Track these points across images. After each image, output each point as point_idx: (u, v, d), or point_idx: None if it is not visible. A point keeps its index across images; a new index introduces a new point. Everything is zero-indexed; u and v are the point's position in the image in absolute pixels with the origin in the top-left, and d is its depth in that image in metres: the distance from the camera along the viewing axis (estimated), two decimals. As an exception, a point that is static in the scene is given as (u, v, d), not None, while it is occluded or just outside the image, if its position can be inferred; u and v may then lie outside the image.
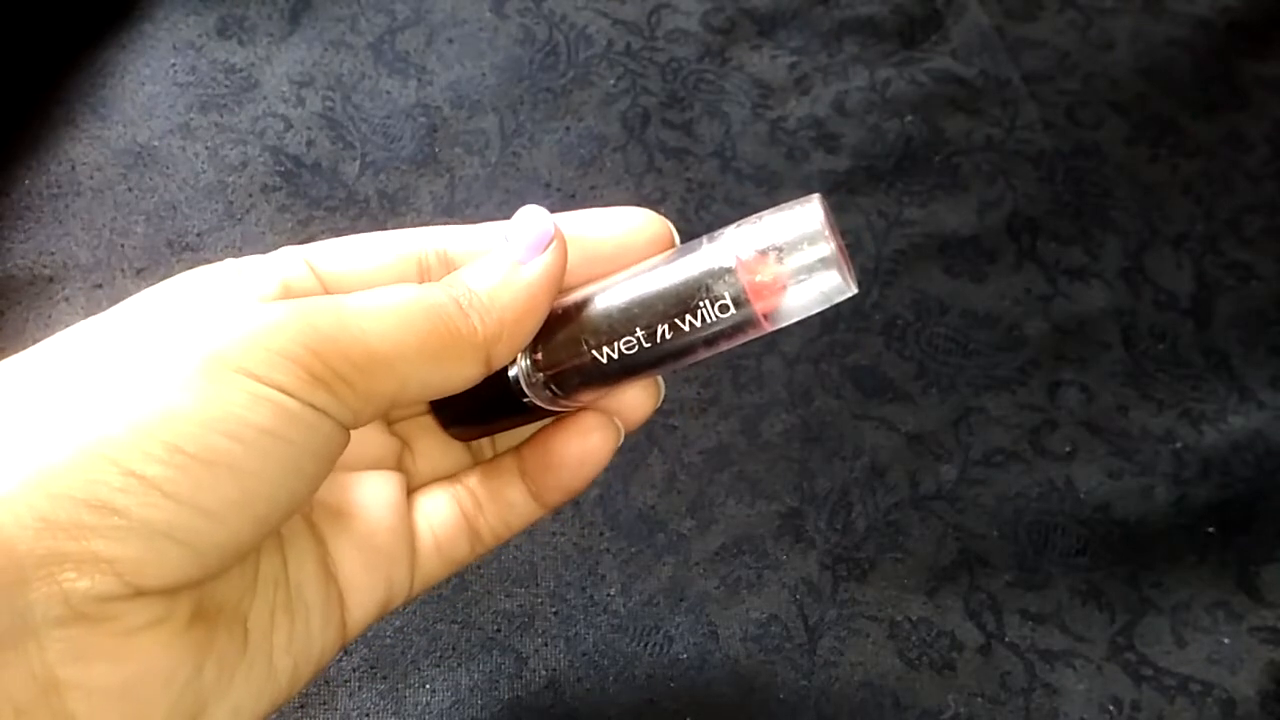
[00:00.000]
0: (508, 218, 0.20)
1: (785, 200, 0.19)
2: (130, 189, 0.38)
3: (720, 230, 0.19)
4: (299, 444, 0.16)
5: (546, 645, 0.31)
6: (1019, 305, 0.38)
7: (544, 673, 0.30)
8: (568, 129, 0.40)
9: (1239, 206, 0.41)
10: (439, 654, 0.30)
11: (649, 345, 0.19)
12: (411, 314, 0.18)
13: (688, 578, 0.32)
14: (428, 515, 0.22)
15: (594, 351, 0.19)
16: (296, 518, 0.20)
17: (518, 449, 0.22)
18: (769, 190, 0.39)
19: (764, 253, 0.18)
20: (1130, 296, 0.39)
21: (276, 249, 0.20)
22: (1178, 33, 0.45)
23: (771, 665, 0.31)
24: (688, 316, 0.18)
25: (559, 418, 0.22)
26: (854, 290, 0.18)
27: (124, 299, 0.18)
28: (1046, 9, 0.45)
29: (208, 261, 0.18)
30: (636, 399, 0.21)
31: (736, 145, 0.40)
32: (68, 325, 0.17)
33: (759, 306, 0.18)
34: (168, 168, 0.38)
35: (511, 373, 0.20)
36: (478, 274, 0.19)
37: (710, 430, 0.34)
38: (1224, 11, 0.45)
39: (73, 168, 0.38)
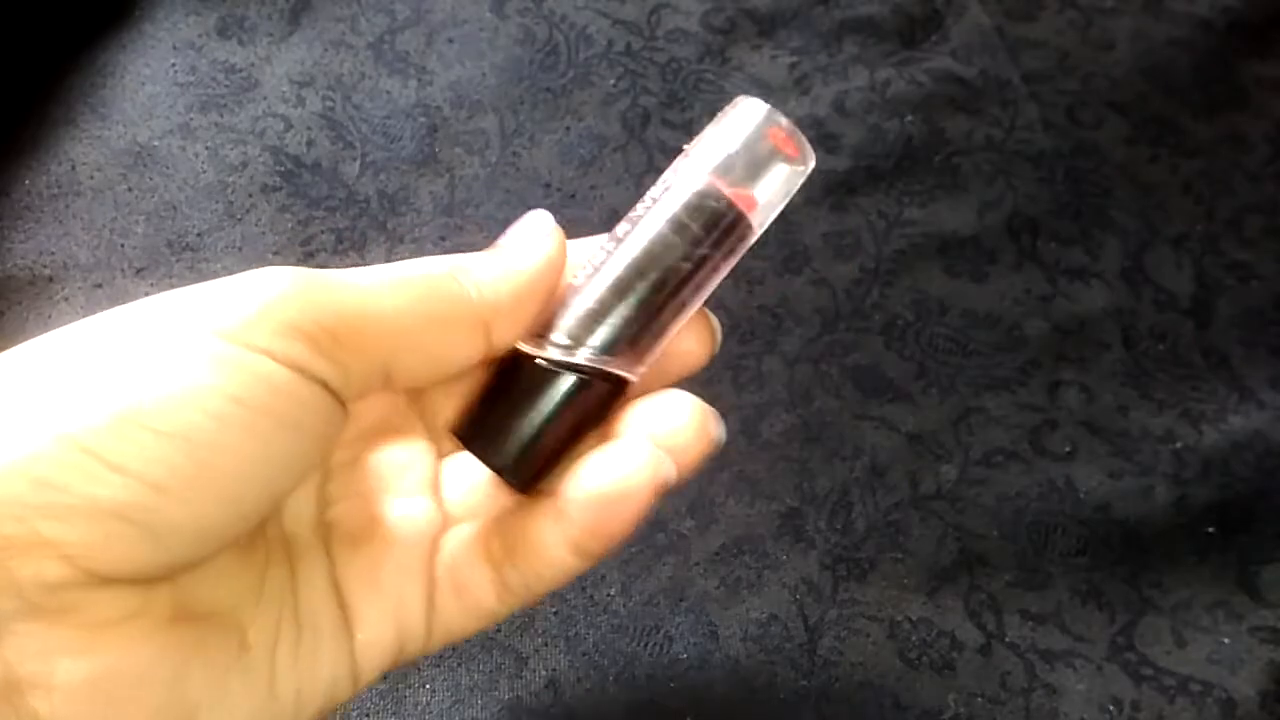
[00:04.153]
0: (508, 218, 0.20)
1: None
2: (130, 189, 0.38)
3: (678, 160, 0.20)
4: (274, 411, 0.15)
5: (546, 645, 0.31)
6: (1019, 305, 0.38)
7: (544, 672, 0.30)
8: (568, 129, 0.40)
9: (1239, 206, 0.41)
10: (439, 653, 0.30)
11: (666, 278, 0.19)
12: (408, 278, 0.18)
13: (688, 578, 0.32)
14: (449, 554, 0.20)
15: (617, 302, 0.19)
16: (312, 539, 0.19)
17: (552, 488, 0.20)
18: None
19: (729, 161, 0.20)
20: (1130, 296, 0.39)
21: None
22: (1178, 33, 0.45)
23: (771, 665, 0.31)
24: (691, 233, 0.19)
25: (599, 447, 0.19)
26: (812, 162, 0.20)
27: (124, 299, 0.17)
28: (1046, 9, 0.45)
29: (208, 261, 0.18)
30: (689, 347, 0.21)
31: (736, 145, 0.40)
32: (67, 325, 0.17)
33: (746, 207, 0.20)
34: (168, 168, 0.38)
35: (543, 353, 0.19)
36: (478, 261, 0.19)
37: (710, 430, 0.35)
38: (1224, 11, 0.45)
39: (73, 168, 0.38)
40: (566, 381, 0.19)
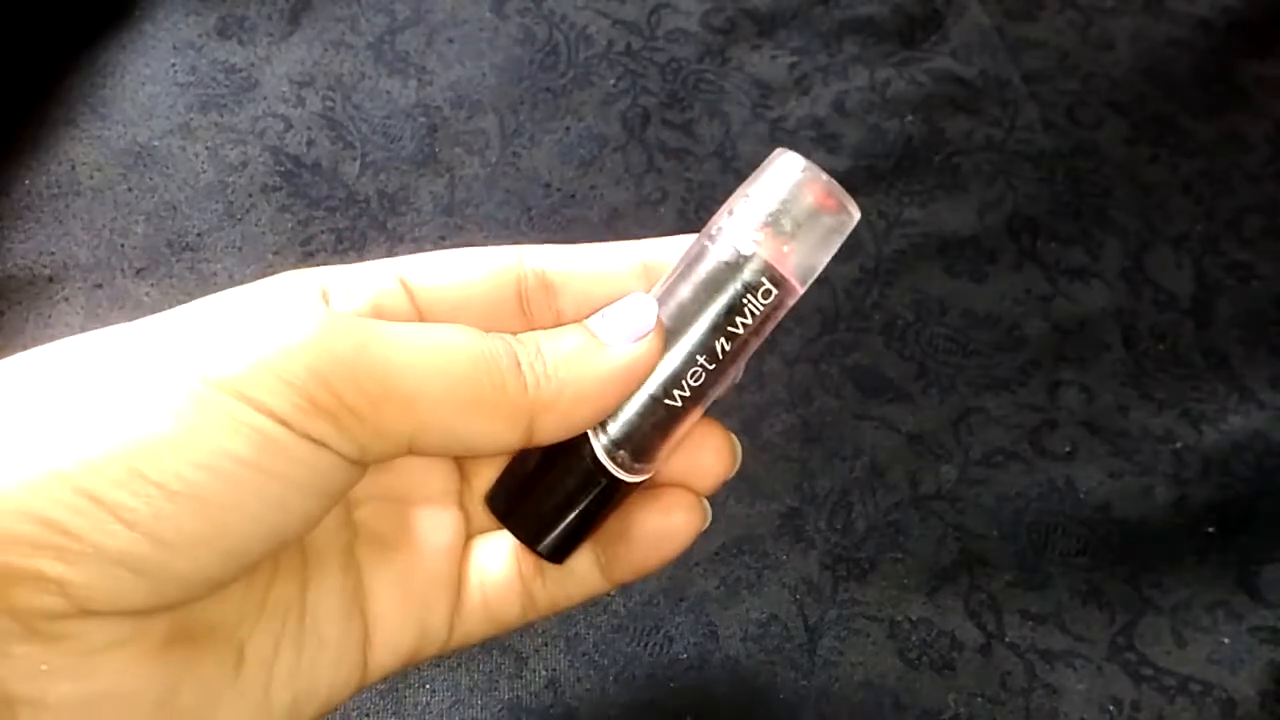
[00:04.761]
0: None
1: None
2: (130, 189, 0.38)
3: (715, 223, 0.19)
4: (284, 477, 0.15)
5: (546, 645, 0.31)
6: (1019, 305, 0.38)
7: (544, 672, 0.30)
8: (568, 129, 0.40)
9: (1239, 207, 0.41)
10: (439, 654, 0.30)
11: (713, 366, 0.18)
12: (451, 355, 0.16)
13: (688, 577, 0.32)
14: (481, 567, 0.20)
15: (666, 401, 0.18)
16: (332, 544, 0.19)
17: None
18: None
19: (771, 223, 0.18)
20: (1130, 297, 0.39)
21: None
22: (1178, 33, 0.45)
23: (771, 665, 0.31)
24: (738, 319, 0.18)
25: (643, 490, 0.20)
26: (857, 215, 0.19)
27: (124, 299, 0.17)
28: (1046, 9, 0.45)
29: (208, 262, 0.18)
30: (711, 465, 0.20)
31: (736, 145, 0.40)
32: (68, 325, 0.17)
33: (792, 275, 0.18)
34: (168, 168, 0.38)
35: (591, 447, 0.18)
36: (556, 336, 0.17)
37: (710, 430, 0.35)
38: (1224, 11, 0.45)
39: (73, 167, 0.38)
40: (615, 482, 0.19)
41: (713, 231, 0.19)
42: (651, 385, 0.18)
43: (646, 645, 0.31)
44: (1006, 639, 0.32)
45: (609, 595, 0.32)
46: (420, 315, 0.19)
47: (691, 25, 0.43)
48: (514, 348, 0.17)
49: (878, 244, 0.39)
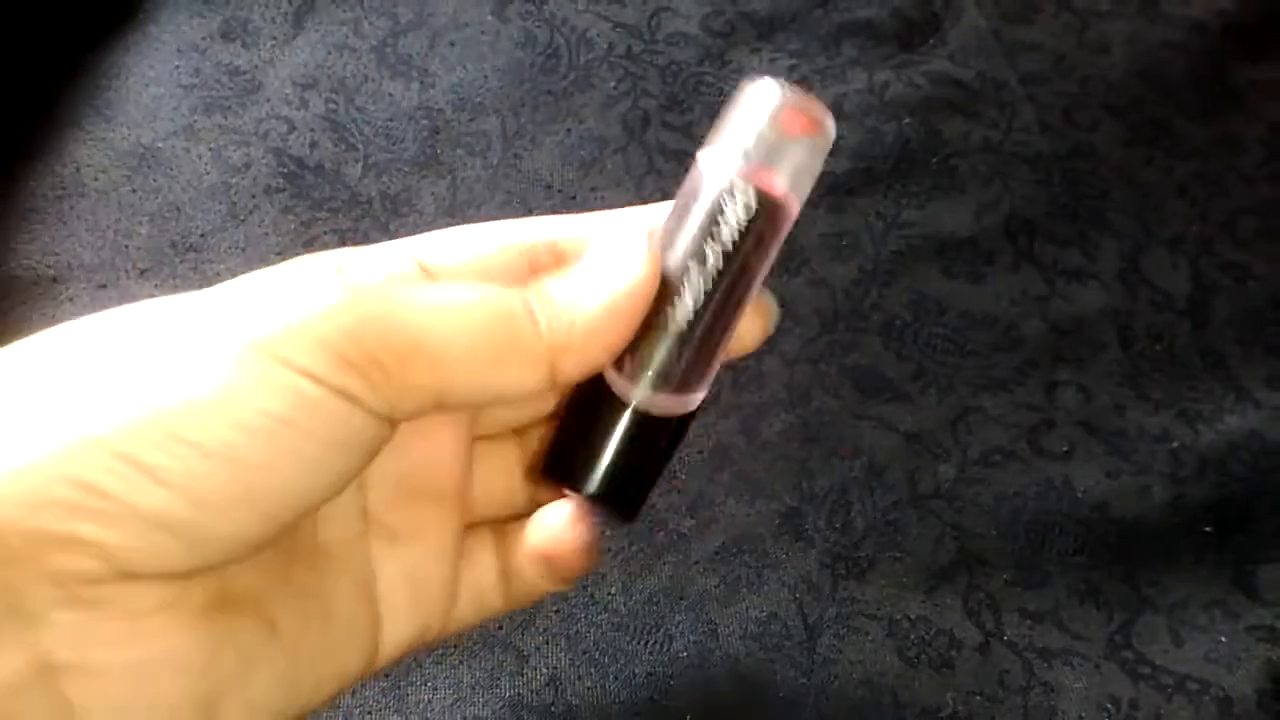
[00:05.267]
0: (508, 218, 0.20)
1: None
2: (134, 190, 0.38)
3: (698, 155, 0.19)
4: (319, 434, 0.15)
5: (547, 643, 0.31)
6: (1016, 306, 0.38)
7: (545, 670, 0.30)
8: (569, 131, 0.41)
9: (1234, 208, 0.41)
10: (440, 651, 0.30)
11: (719, 283, 0.18)
12: (470, 309, 0.17)
13: (688, 576, 0.32)
14: (473, 558, 0.20)
15: (686, 328, 0.18)
16: (346, 533, 0.19)
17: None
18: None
19: (751, 144, 0.19)
20: (1127, 297, 0.39)
21: (279, 250, 0.19)
22: (1173, 36, 0.45)
23: (771, 663, 0.31)
24: (725, 231, 0.18)
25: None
26: (832, 128, 0.19)
27: (128, 299, 0.17)
28: (1043, 12, 0.45)
29: (211, 263, 0.18)
30: (749, 329, 0.20)
31: (736, 147, 0.41)
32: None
33: (773, 188, 0.19)
34: (171, 169, 0.38)
35: (630, 395, 0.18)
36: (560, 281, 0.18)
37: (710, 430, 0.35)
38: (1219, 15, 0.46)
39: (77, 169, 0.38)
40: (672, 424, 0.19)
41: (697, 163, 0.19)
42: (670, 317, 0.18)
43: (647, 643, 0.31)
44: (1005, 637, 0.32)
45: (610, 594, 0.32)
46: None
47: (691, 28, 0.43)
48: (525, 295, 0.17)
49: (876, 245, 0.39)
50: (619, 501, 0.19)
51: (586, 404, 0.19)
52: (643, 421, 0.19)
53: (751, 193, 0.18)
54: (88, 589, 0.14)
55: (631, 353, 0.18)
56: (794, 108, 0.19)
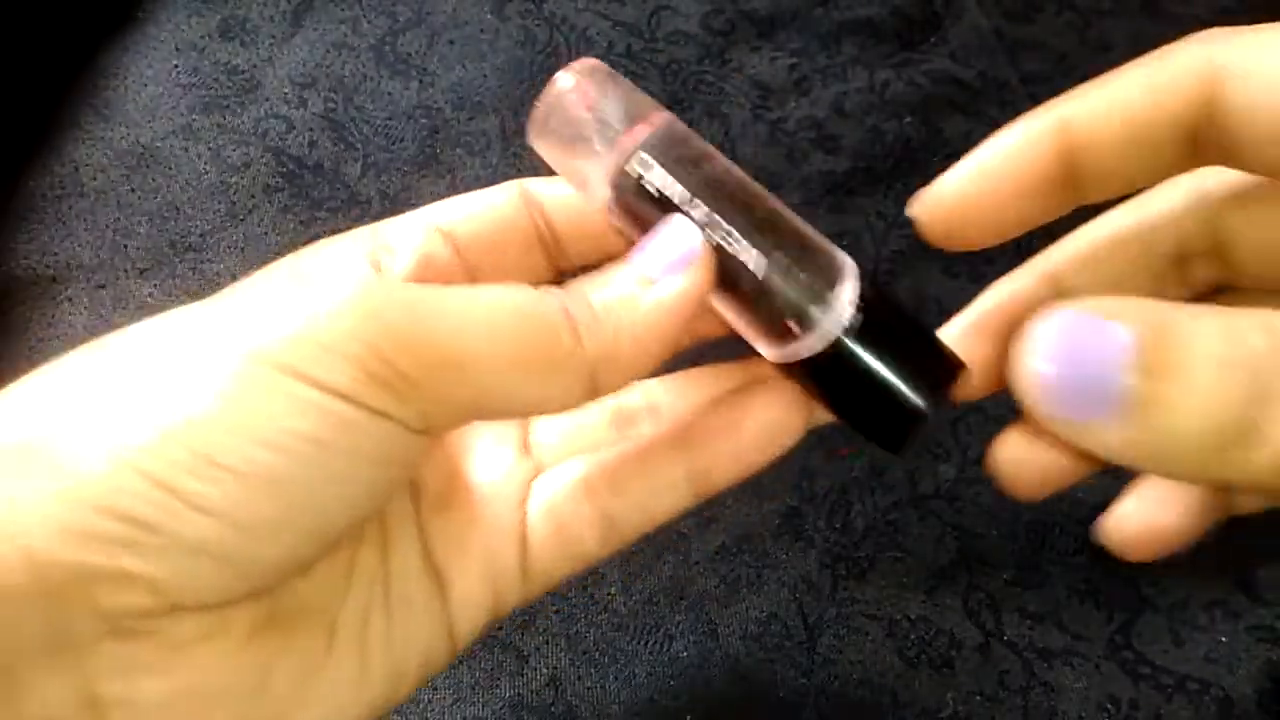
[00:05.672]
0: None
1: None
2: (133, 190, 0.38)
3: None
4: (354, 452, 0.14)
5: (547, 643, 0.31)
6: (1017, 305, 0.38)
7: (545, 670, 0.30)
8: (568, 130, 0.40)
9: (1236, 207, 0.41)
10: (440, 652, 0.30)
11: (725, 218, 0.18)
12: (501, 316, 0.15)
13: (688, 576, 0.32)
14: (548, 500, 0.19)
15: (762, 262, 0.18)
16: (400, 504, 0.18)
17: (677, 427, 0.19)
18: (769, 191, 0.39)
19: (602, 138, 0.19)
20: (1128, 297, 0.39)
21: (279, 250, 0.19)
22: (1175, 35, 0.45)
23: (771, 663, 0.31)
24: (672, 191, 0.18)
25: (741, 389, 0.19)
26: (592, 64, 0.19)
27: (127, 299, 0.17)
28: (1045, 11, 0.45)
29: (210, 262, 0.18)
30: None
31: (736, 146, 0.40)
32: (70, 325, 0.17)
33: (643, 130, 0.19)
34: (170, 169, 0.38)
35: (830, 329, 0.18)
36: (600, 283, 0.17)
37: (710, 430, 0.35)
38: (1221, 13, 0.46)
39: (75, 169, 0.38)
40: (854, 328, 0.18)
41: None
42: (747, 271, 0.17)
43: (647, 643, 0.31)
44: (1005, 637, 0.32)
45: (610, 594, 0.32)
46: (465, 260, 0.18)
47: (691, 27, 0.43)
48: (563, 301, 0.16)
49: (877, 245, 0.39)
50: (942, 395, 0.19)
51: (826, 374, 0.18)
52: (863, 330, 0.18)
53: (642, 155, 0.18)
54: (134, 621, 0.14)
55: (770, 321, 0.17)
56: (575, 86, 0.19)
